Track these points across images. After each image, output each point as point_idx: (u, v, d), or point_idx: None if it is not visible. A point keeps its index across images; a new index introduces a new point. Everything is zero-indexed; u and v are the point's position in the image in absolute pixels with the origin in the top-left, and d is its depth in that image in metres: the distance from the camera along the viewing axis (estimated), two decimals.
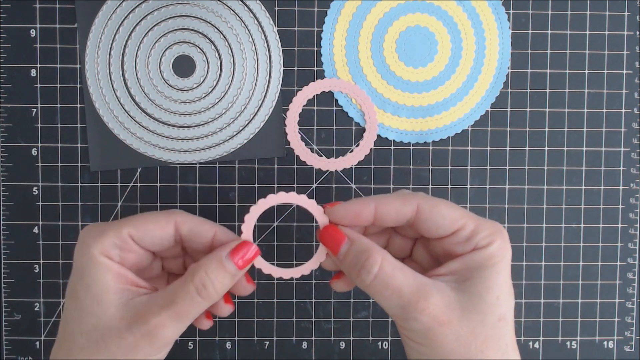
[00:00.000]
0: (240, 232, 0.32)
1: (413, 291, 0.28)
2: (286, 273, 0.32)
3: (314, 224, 0.33)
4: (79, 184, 0.40)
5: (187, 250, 0.34)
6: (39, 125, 0.40)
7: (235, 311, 0.41)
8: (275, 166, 0.41)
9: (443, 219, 0.30)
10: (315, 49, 0.41)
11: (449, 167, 0.41)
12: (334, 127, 0.41)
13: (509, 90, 0.41)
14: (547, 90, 0.41)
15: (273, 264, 0.33)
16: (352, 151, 0.41)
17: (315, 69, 0.41)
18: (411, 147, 0.41)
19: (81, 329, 0.29)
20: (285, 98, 0.41)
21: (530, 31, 0.41)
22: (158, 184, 0.40)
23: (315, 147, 0.41)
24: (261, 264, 0.32)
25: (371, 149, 0.41)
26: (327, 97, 0.41)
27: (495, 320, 0.29)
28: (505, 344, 0.29)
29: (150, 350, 0.29)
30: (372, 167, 0.41)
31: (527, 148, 0.41)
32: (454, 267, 0.30)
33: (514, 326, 0.30)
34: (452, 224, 0.30)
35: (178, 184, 0.41)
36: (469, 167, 0.41)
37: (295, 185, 0.41)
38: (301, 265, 0.32)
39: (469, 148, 0.41)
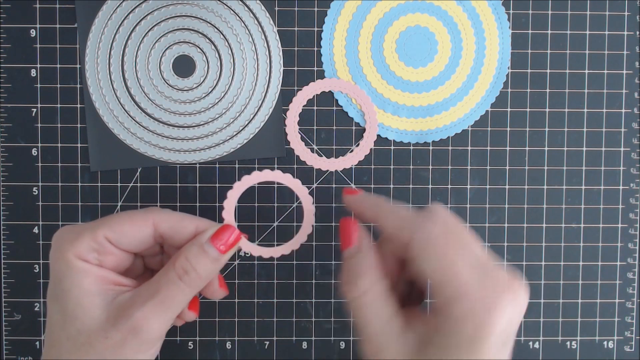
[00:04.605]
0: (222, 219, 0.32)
1: (374, 334, 0.28)
2: (266, 252, 0.33)
3: (295, 204, 0.33)
4: (79, 184, 0.40)
5: (165, 249, 0.33)
6: (39, 125, 0.40)
7: (235, 311, 0.41)
8: (275, 166, 0.41)
9: (422, 275, 0.28)
10: (315, 49, 0.41)
11: (449, 167, 0.41)
12: (334, 127, 0.41)
13: (509, 90, 0.41)
14: (547, 90, 0.41)
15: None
16: (352, 151, 0.41)
17: (315, 69, 0.41)
18: (411, 147, 0.41)
19: (66, 334, 0.29)
20: (285, 98, 0.41)
21: (530, 31, 0.41)
22: (158, 184, 0.40)
23: (315, 147, 0.41)
24: (249, 247, 0.32)
25: (371, 149, 0.41)
26: (327, 97, 0.41)
27: None
28: None
29: (137, 346, 0.28)
30: (372, 167, 0.41)
31: (527, 148, 0.41)
32: (420, 327, 0.28)
33: None
34: (433, 283, 0.27)
35: (178, 184, 0.41)
36: (469, 167, 0.41)
37: None
38: (282, 245, 0.34)
39: (469, 148, 0.41)
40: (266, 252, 0.33)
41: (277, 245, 0.41)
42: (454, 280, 0.26)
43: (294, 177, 0.34)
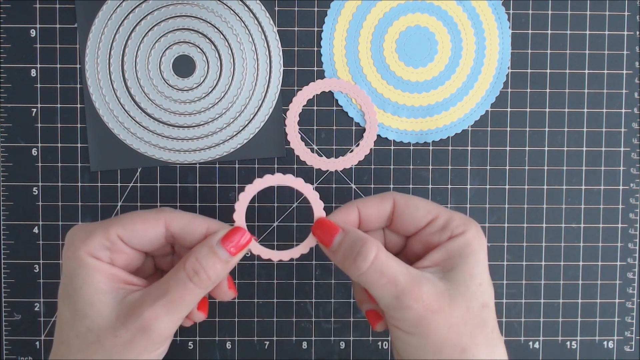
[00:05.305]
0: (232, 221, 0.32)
1: (408, 280, 0.29)
2: (275, 255, 0.33)
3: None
4: (79, 184, 0.40)
5: (176, 249, 0.33)
6: (39, 125, 0.40)
7: (235, 311, 0.41)
8: (275, 166, 0.41)
9: (417, 209, 0.32)
10: (315, 49, 0.41)
11: (449, 167, 0.41)
12: (334, 127, 0.41)
13: (509, 90, 0.41)
14: (547, 90, 0.41)
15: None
16: (352, 151, 0.41)
17: (315, 69, 0.41)
18: (411, 147, 0.41)
19: (76, 332, 0.29)
20: (285, 98, 0.41)
21: (530, 31, 0.41)
22: (158, 184, 0.41)
23: (315, 147, 0.41)
24: (259, 249, 0.32)
25: (371, 149, 0.41)
26: (327, 97, 0.41)
27: (479, 307, 0.29)
28: (491, 329, 0.30)
29: (146, 345, 0.29)
30: (372, 167, 0.41)
31: (527, 148, 0.41)
32: (436, 258, 0.31)
33: (495, 314, 0.31)
34: (427, 214, 0.32)
35: (178, 184, 0.41)
36: (469, 167, 0.41)
37: None
38: (292, 248, 0.33)
39: (469, 148, 0.41)
40: (275, 256, 0.33)
41: (278, 244, 0.41)
42: (443, 211, 0.32)
43: (294, 176, 0.33)
